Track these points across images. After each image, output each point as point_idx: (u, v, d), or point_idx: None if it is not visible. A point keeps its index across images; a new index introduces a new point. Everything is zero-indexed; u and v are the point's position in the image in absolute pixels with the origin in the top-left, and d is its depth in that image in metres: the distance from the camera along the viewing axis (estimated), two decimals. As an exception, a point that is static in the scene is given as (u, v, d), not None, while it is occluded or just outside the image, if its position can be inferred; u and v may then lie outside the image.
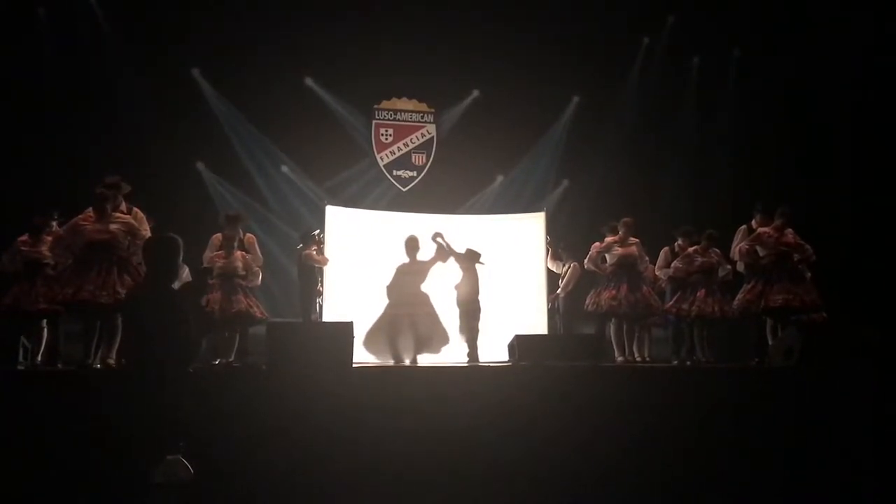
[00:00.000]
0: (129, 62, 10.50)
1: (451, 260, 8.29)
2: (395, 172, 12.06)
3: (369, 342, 7.64)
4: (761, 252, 8.00)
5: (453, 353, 8.24)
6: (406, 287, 7.83)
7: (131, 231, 6.77)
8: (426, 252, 8.14)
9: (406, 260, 8.00)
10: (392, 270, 7.97)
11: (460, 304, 8.21)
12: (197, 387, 4.91)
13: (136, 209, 7.06)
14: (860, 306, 8.91)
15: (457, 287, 8.27)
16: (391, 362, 7.58)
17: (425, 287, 7.95)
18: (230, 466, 4.81)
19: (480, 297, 8.25)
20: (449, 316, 8.23)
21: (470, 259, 8.32)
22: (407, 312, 7.66)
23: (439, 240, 8.24)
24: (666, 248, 8.70)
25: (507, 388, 6.22)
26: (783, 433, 5.87)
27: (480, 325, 8.16)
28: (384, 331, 7.63)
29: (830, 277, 8.36)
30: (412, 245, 8.04)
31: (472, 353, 8.02)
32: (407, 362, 7.58)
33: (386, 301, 7.84)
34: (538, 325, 9.66)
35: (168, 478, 4.25)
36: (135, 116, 10.35)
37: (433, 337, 7.73)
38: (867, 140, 11.16)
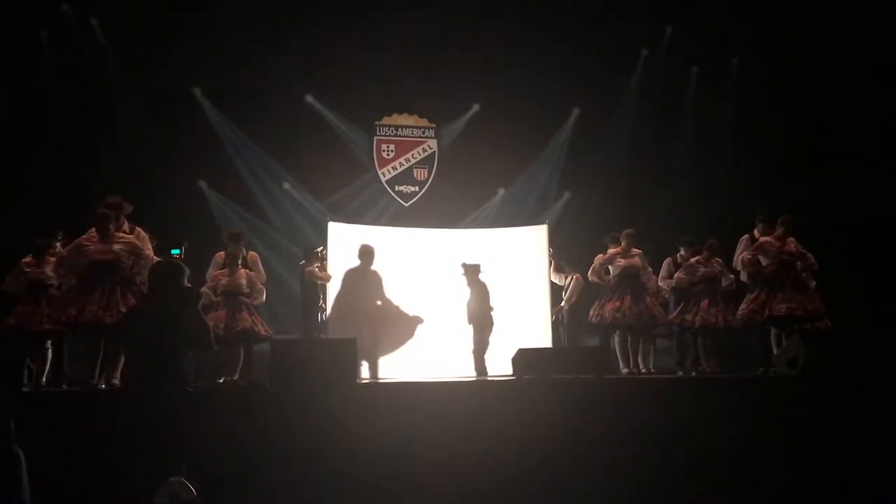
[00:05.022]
0: (129, 82, 10.55)
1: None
2: (396, 188, 12.04)
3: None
4: (764, 261, 7.99)
5: (460, 368, 8.25)
6: (366, 300, 7.93)
7: (135, 251, 6.78)
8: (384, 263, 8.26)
9: (358, 269, 8.10)
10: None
11: (472, 319, 8.19)
12: (200, 405, 4.90)
13: (139, 229, 7.07)
14: (864, 314, 8.87)
15: (466, 304, 8.26)
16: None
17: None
18: (234, 486, 4.80)
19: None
20: (458, 333, 8.28)
21: (472, 273, 8.32)
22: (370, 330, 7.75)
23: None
24: (668, 259, 8.69)
25: (512, 401, 6.21)
26: (788, 442, 5.85)
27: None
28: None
29: (834, 285, 8.34)
30: (366, 253, 8.14)
31: (480, 366, 8.02)
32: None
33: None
34: (542, 337, 9.64)
35: (171, 499, 4.24)
36: (136, 136, 10.39)
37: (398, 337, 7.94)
38: (868, 147, 11.15)
